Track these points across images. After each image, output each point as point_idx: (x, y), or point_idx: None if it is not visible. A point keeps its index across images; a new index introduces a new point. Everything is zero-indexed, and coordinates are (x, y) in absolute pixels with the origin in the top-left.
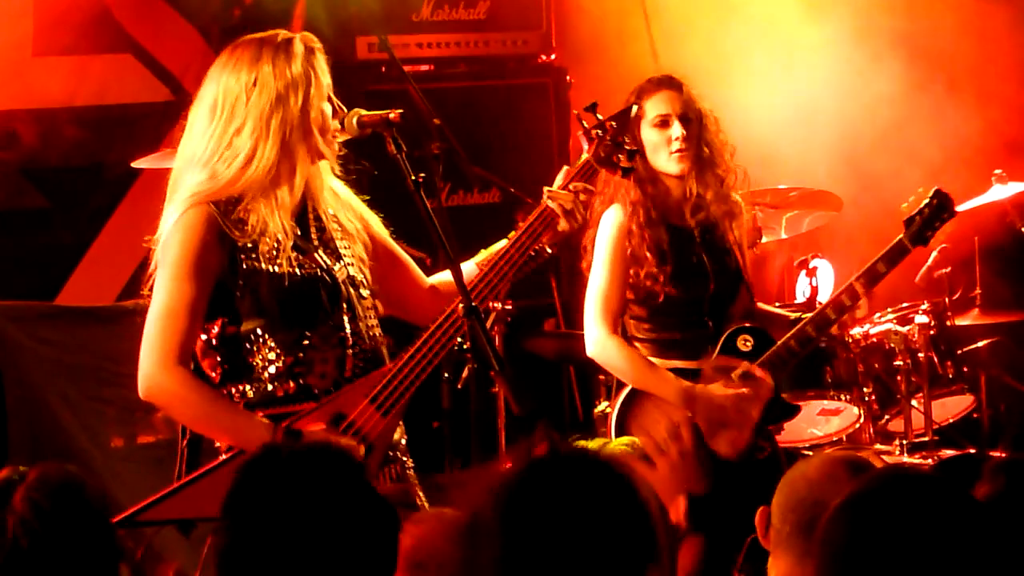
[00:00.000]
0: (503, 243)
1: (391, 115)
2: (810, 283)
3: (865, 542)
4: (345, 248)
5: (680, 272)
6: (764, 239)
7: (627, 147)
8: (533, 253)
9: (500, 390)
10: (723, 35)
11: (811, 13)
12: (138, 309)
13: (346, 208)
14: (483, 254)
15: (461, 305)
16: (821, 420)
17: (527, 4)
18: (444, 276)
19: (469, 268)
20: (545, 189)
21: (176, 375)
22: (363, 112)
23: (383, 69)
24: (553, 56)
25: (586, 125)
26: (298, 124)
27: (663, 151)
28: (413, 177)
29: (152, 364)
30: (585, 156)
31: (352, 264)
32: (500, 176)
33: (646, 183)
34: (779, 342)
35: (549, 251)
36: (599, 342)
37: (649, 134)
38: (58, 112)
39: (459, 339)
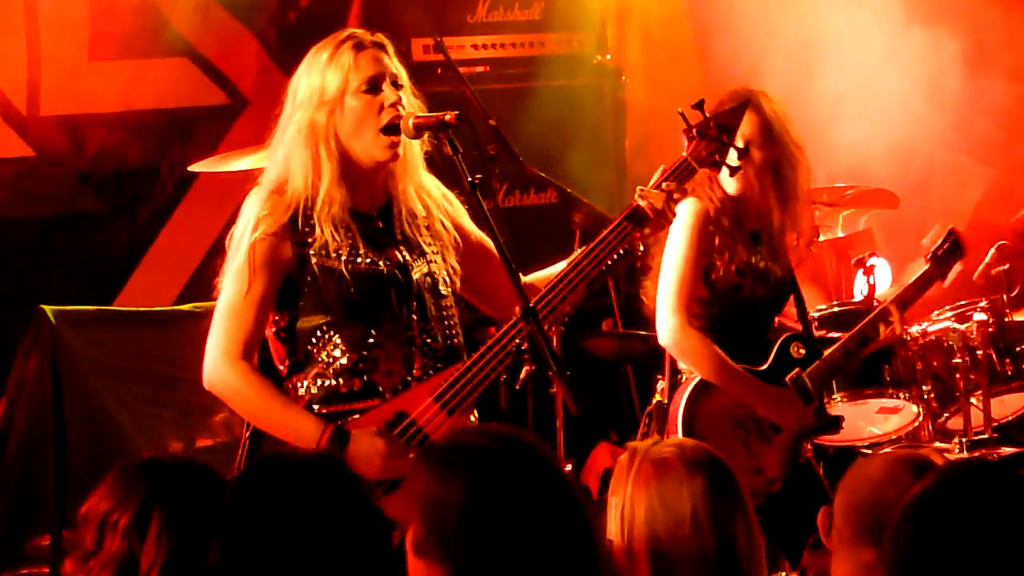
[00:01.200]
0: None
1: (447, 117)
2: (867, 281)
3: (937, 540)
4: (429, 246)
5: (760, 274)
6: (821, 237)
7: (735, 146)
8: (622, 251)
9: (558, 390)
10: (784, 31)
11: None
12: (196, 313)
13: (436, 205)
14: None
15: (517, 308)
16: (880, 418)
17: (582, 4)
18: (541, 274)
19: (561, 267)
20: (638, 188)
21: (237, 368)
22: (419, 114)
23: (439, 71)
24: (608, 56)
25: (689, 122)
26: (335, 123)
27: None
28: (470, 178)
29: (215, 356)
30: (683, 154)
31: (435, 263)
32: (556, 177)
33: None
34: (825, 354)
35: (641, 248)
36: (674, 331)
37: None
38: (114, 117)
39: (517, 340)
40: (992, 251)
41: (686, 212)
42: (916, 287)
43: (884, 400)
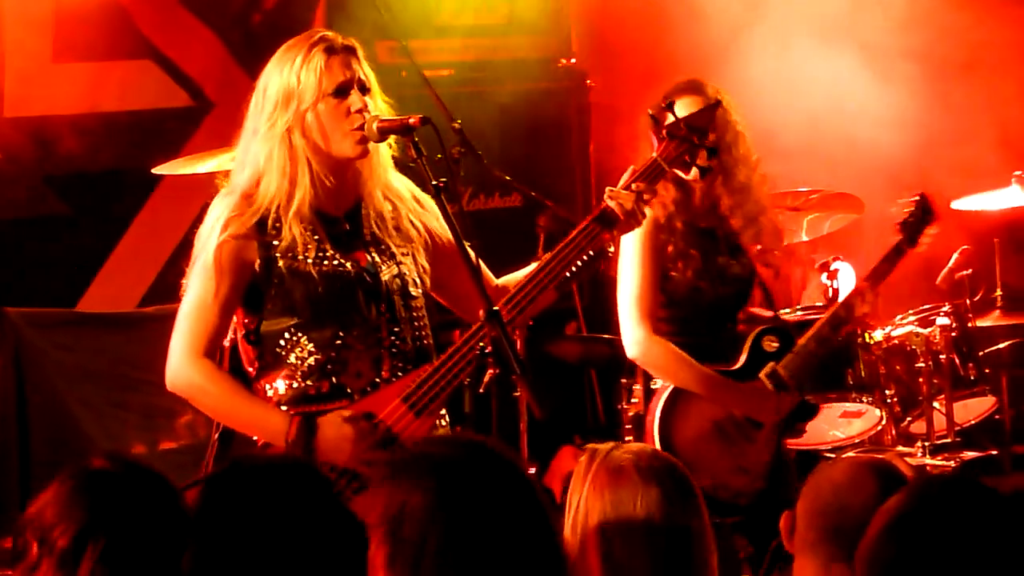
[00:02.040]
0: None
1: (411, 120)
2: (831, 286)
3: (916, 560)
4: (399, 247)
5: (720, 272)
6: (785, 241)
7: (706, 146)
8: (592, 253)
9: (522, 394)
10: (746, 35)
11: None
12: (159, 315)
13: (409, 208)
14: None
15: (482, 311)
16: (843, 422)
17: (547, 8)
18: (513, 276)
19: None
20: (607, 189)
21: (199, 366)
22: (383, 117)
23: (403, 74)
24: (573, 60)
25: (659, 123)
26: (305, 126)
27: None
28: (434, 182)
29: (178, 355)
30: (653, 155)
31: (404, 264)
32: (521, 180)
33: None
34: (799, 343)
35: (611, 250)
36: (641, 342)
37: None
38: (79, 119)
39: (481, 344)
40: (955, 256)
41: None
42: (889, 259)
43: (847, 404)
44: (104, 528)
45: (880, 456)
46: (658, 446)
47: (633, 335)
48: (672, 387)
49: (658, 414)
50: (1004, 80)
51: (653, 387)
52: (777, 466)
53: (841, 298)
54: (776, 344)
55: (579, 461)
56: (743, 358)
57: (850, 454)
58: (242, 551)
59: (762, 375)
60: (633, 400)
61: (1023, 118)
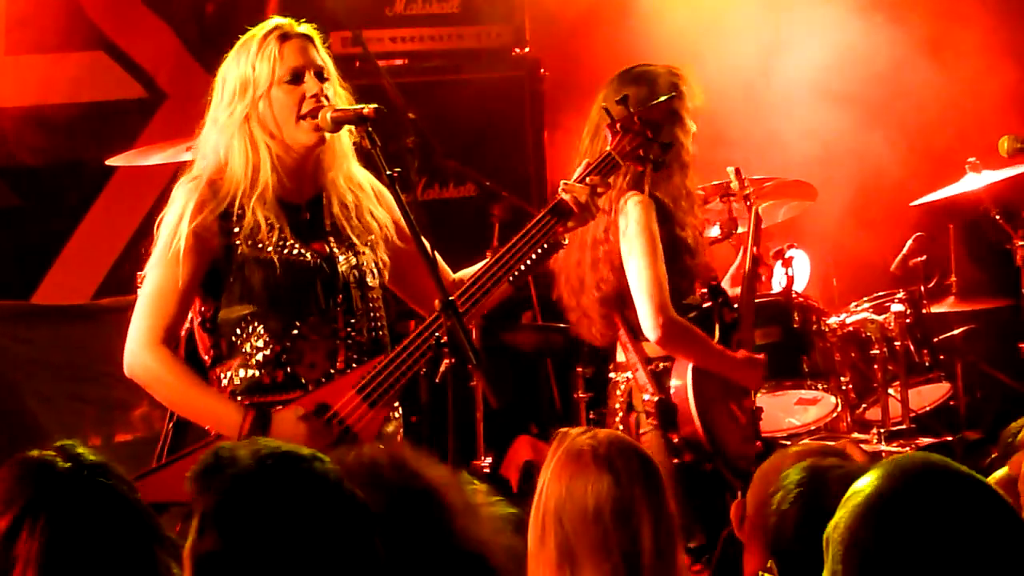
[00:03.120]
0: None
1: (365, 110)
2: (786, 273)
3: (896, 543)
4: (358, 237)
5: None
6: (739, 229)
7: (660, 141)
8: (547, 245)
9: (478, 384)
10: (694, 21)
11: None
12: (116, 307)
13: (369, 199)
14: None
15: (437, 301)
16: (799, 410)
17: None
18: (469, 271)
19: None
20: (562, 182)
21: (157, 354)
22: (337, 107)
23: (357, 64)
24: (527, 49)
25: (613, 117)
26: (261, 113)
27: None
28: (388, 172)
29: (135, 342)
30: (607, 149)
31: (363, 255)
32: (475, 169)
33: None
34: (737, 307)
35: (565, 242)
36: (669, 325)
37: None
38: (31, 110)
39: (437, 334)
40: (909, 242)
41: (640, 208)
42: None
43: (803, 391)
44: (43, 510)
45: (833, 444)
46: (699, 426)
47: (656, 319)
48: (691, 368)
49: (691, 395)
50: (961, 66)
51: (659, 370)
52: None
53: (798, 286)
54: (734, 315)
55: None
56: (717, 333)
57: (805, 442)
58: (260, 545)
59: (734, 342)
60: (626, 390)
61: (977, 105)
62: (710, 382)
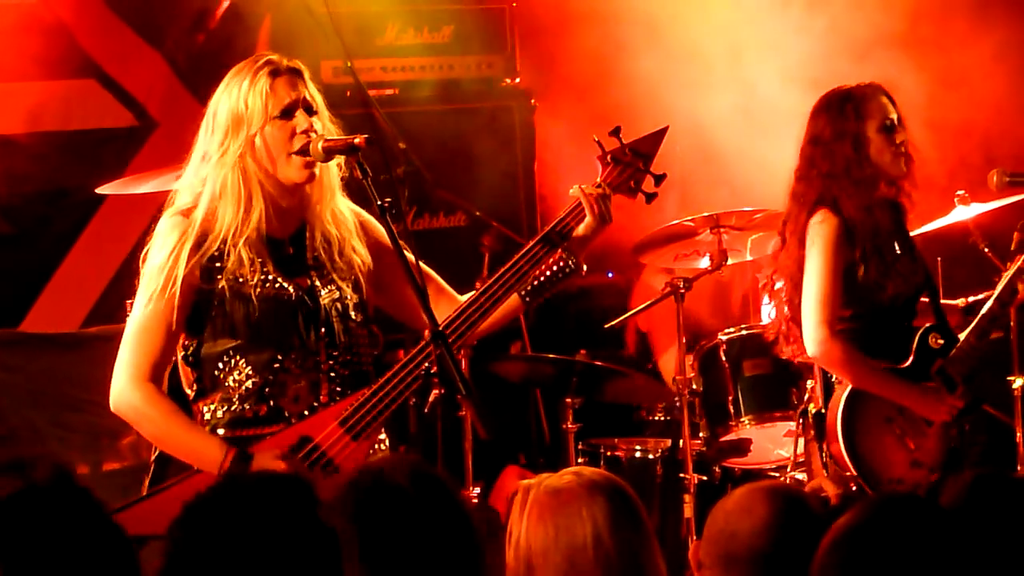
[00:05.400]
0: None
1: (356, 140)
2: (774, 305)
3: (862, 572)
4: (340, 271)
5: (901, 270)
6: (730, 261)
7: (652, 172)
8: (569, 270)
9: (467, 414)
10: (689, 51)
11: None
12: (104, 336)
13: (354, 232)
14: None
15: (427, 331)
16: (787, 441)
17: (491, 28)
18: (469, 295)
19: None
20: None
21: (143, 391)
22: (328, 137)
23: (348, 93)
24: (518, 79)
25: (604, 149)
26: (255, 150)
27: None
28: (379, 201)
29: (122, 379)
30: (597, 180)
31: (345, 288)
32: (465, 199)
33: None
34: (962, 339)
35: (584, 267)
36: (824, 343)
37: (877, 137)
38: (21, 138)
39: (426, 364)
40: None
41: (821, 225)
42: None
43: (791, 423)
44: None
45: (781, 481)
46: (841, 444)
47: (816, 335)
48: (850, 387)
49: (840, 413)
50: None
51: (832, 385)
52: (953, 457)
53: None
54: (941, 341)
55: (515, 498)
56: (912, 357)
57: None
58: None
59: (932, 372)
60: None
61: (969, 139)
62: (873, 404)
